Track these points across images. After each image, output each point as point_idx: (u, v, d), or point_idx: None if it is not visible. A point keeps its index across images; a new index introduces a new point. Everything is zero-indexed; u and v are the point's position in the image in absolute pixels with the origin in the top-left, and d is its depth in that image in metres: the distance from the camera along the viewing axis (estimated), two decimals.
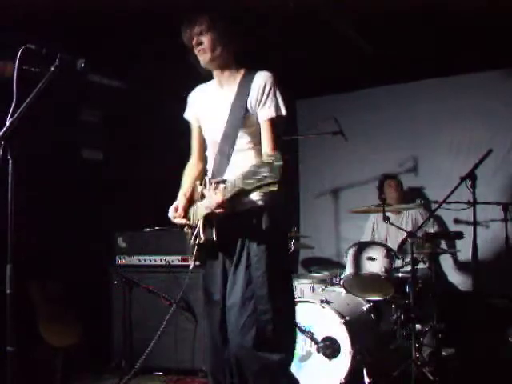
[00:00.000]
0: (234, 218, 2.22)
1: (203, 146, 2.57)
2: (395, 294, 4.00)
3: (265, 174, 1.87)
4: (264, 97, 2.25)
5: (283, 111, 2.27)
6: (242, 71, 2.38)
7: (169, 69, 4.61)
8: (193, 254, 2.34)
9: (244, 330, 2.21)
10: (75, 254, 4.07)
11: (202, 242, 2.22)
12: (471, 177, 3.50)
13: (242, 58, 2.42)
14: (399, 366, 3.72)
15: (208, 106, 2.45)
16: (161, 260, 4.08)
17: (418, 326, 4.06)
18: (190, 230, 2.40)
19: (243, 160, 2.26)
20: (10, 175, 2.08)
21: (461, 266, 5.01)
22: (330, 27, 4.13)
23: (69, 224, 4.10)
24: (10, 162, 2.07)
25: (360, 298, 4.04)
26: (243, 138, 2.32)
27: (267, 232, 2.28)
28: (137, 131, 4.81)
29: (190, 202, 2.46)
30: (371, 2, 3.81)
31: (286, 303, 2.39)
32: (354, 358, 3.50)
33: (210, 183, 2.22)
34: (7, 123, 2.05)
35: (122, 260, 4.12)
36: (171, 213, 2.45)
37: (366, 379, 3.59)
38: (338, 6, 3.68)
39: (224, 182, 2.11)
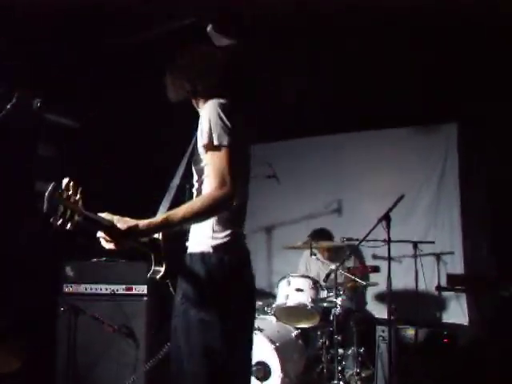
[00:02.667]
0: (181, 256, 1.97)
1: None
2: (321, 322, 4.05)
3: None
4: (201, 127, 1.92)
5: (216, 140, 1.85)
6: (202, 103, 2.07)
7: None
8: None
9: None
10: (23, 282, 3.89)
11: (150, 275, 1.94)
12: (386, 218, 3.67)
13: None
14: None
15: None
16: (106, 289, 3.95)
17: (340, 351, 4.12)
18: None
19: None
20: None
21: (378, 296, 5.13)
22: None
23: (17, 251, 3.92)
24: None
25: (289, 326, 4.08)
26: (195, 175, 2.05)
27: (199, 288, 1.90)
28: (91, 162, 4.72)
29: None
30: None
31: None
32: (283, 380, 3.51)
33: None
34: None
35: (69, 288, 3.97)
36: None
37: None
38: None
39: None
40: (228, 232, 1.97)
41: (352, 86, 4.63)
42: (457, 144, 5.06)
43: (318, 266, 4.90)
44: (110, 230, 1.78)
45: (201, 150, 1.93)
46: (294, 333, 4.04)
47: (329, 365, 4.08)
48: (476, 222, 4.87)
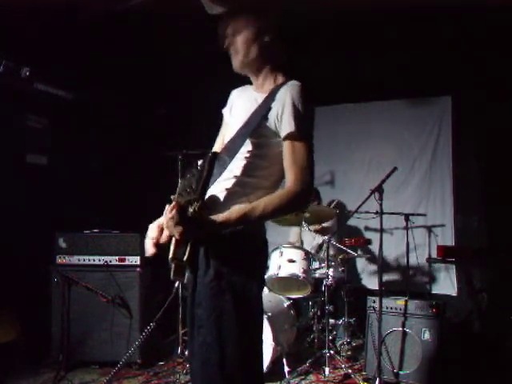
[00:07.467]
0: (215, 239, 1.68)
1: None
2: (312, 293, 4.05)
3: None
4: (285, 112, 1.70)
5: (302, 130, 1.69)
6: (280, 79, 1.85)
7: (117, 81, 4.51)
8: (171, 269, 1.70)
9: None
10: (16, 253, 3.84)
11: (169, 259, 1.64)
12: (379, 190, 3.61)
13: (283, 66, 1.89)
14: (315, 355, 3.77)
15: (238, 107, 1.94)
16: (99, 260, 3.92)
17: (331, 321, 4.13)
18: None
19: (236, 172, 1.77)
20: None
21: (370, 268, 5.14)
22: None
23: (11, 224, 3.87)
24: None
25: (281, 296, 4.07)
26: (247, 147, 1.78)
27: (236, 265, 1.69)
28: (82, 136, 4.62)
29: None
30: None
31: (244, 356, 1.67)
32: (275, 349, 3.51)
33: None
34: None
35: (62, 259, 3.95)
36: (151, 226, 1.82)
37: (286, 368, 3.61)
38: None
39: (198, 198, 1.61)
40: None
41: (347, 58, 4.53)
42: (451, 118, 5.01)
43: (310, 236, 4.89)
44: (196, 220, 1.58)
45: (271, 126, 1.73)
46: (286, 303, 4.03)
47: (320, 334, 4.09)
48: (468, 195, 4.82)
